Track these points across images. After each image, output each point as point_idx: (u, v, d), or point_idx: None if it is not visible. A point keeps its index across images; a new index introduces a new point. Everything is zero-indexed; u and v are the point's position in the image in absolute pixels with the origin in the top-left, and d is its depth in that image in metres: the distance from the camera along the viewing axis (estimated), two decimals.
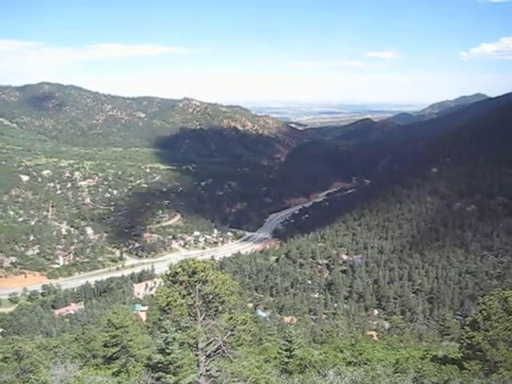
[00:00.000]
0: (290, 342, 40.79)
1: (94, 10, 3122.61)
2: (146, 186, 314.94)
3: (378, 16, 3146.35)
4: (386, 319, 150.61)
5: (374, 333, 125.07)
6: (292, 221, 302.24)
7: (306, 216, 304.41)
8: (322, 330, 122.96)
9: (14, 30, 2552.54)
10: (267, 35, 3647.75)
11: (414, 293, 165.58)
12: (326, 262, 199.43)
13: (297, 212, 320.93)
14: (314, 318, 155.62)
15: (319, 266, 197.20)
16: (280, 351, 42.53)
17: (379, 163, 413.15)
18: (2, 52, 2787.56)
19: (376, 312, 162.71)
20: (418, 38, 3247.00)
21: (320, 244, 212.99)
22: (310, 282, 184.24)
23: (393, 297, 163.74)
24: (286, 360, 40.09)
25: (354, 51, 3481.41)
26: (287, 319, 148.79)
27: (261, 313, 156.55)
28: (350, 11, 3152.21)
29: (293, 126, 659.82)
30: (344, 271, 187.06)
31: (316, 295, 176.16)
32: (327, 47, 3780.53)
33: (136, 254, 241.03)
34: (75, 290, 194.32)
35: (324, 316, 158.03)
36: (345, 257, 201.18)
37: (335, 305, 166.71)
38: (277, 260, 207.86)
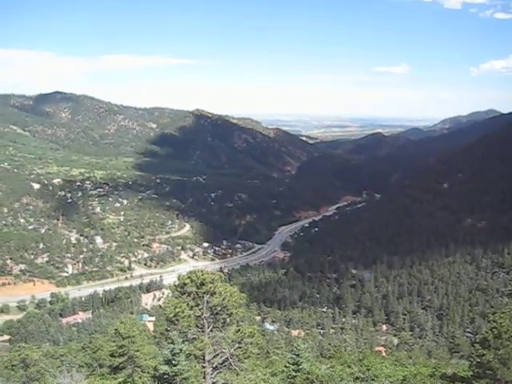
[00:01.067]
0: (297, 355, 40.28)
1: (106, 22, 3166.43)
2: (155, 196, 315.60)
3: (388, 31, 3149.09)
4: (395, 335, 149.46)
5: (383, 348, 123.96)
6: (301, 234, 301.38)
7: (316, 229, 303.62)
8: (329, 344, 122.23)
9: (28, 41, 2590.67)
10: (277, 48, 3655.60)
11: (423, 309, 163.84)
12: (334, 275, 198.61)
13: (306, 225, 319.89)
14: (321, 332, 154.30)
15: (328, 280, 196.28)
16: (287, 365, 42.02)
17: (390, 177, 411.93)
18: (15, 62, 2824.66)
19: (384, 327, 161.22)
20: (428, 53, 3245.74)
21: (329, 257, 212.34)
22: (318, 295, 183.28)
23: (402, 312, 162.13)
24: (293, 374, 39.59)
25: (364, 66, 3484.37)
26: (295, 333, 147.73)
27: (268, 326, 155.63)
28: (360, 26, 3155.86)
29: (303, 139, 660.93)
30: (353, 285, 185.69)
31: (324, 309, 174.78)
32: (337, 61, 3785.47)
33: (145, 264, 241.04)
34: (83, 299, 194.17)
35: (332, 330, 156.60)
36: (354, 271, 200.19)
37: (343, 319, 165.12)
38: (285, 273, 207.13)
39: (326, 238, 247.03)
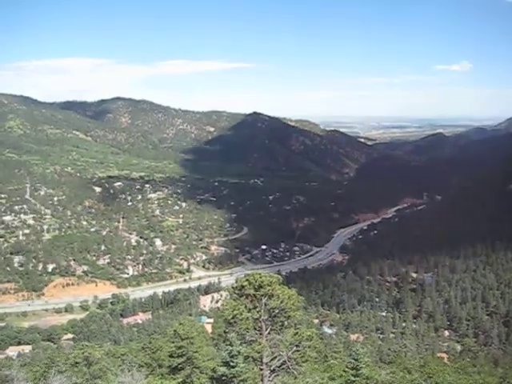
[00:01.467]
0: (356, 360, 39.49)
1: (162, 29, 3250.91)
2: (213, 199, 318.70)
3: (446, 28, 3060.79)
4: (458, 341, 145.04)
5: (445, 355, 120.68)
6: (360, 237, 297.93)
7: (375, 232, 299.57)
8: (389, 349, 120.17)
9: (88, 49, 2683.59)
10: (333, 51, 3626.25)
11: (488, 315, 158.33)
12: (394, 279, 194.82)
13: (365, 228, 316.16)
14: (381, 336, 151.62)
15: (387, 284, 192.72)
16: (346, 369, 41.36)
17: (451, 179, 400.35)
18: (77, 70, 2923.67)
19: (447, 333, 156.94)
20: (490, 49, 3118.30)
21: (388, 261, 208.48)
22: (377, 299, 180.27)
23: (465, 318, 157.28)
24: (352, 379, 38.90)
25: (423, 65, 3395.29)
26: (353, 337, 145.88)
27: (327, 329, 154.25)
28: (416, 24, 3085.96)
29: (362, 140, 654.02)
30: (413, 289, 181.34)
31: (384, 313, 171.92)
32: (395, 61, 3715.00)
33: (203, 267, 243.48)
34: (143, 300, 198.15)
35: (392, 335, 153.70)
36: (414, 275, 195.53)
37: (403, 324, 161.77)
38: (344, 276, 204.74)
39: (385, 241, 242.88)
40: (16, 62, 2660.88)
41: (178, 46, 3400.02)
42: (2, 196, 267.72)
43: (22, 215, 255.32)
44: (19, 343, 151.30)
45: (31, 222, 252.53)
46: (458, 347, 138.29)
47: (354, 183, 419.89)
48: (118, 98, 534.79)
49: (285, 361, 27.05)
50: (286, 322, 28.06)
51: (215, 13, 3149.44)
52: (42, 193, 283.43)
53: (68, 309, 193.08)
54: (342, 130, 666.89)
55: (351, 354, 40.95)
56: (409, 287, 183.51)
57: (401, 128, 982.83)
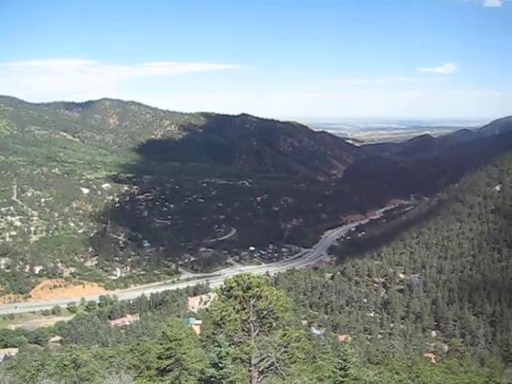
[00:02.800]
0: (344, 360, 39.62)
1: (148, 30, 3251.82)
2: (202, 200, 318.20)
3: (430, 30, 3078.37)
4: (445, 341, 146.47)
5: (432, 355, 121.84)
6: (348, 238, 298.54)
7: (363, 233, 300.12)
8: (377, 349, 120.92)
9: (75, 50, 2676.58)
10: (319, 52, 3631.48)
11: (474, 315, 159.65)
12: (382, 280, 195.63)
13: (353, 229, 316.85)
14: (369, 337, 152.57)
15: (375, 285, 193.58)
16: (334, 370, 41.53)
17: (438, 180, 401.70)
18: (64, 70, 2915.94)
19: (434, 334, 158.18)
20: (474, 52, 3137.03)
21: (376, 262, 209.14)
22: (365, 300, 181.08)
23: (452, 318, 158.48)
24: (341, 379, 39.02)
25: (407, 67, 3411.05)
26: (342, 338, 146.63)
27: (315, 330, 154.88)
28: (400, 27, 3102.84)
29: (350, 141, 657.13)
30: (401, 290, 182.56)
31: (371, 314, 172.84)
32: (380, 63, 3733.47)
33: (191, 268, 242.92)
34: (131, 302, 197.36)
35: (379, 336, 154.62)
36: (402, 275, 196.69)
37: (391, 325, 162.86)
38: (332, 277, 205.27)
39: (373, 242, 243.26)
40: (2, 62, 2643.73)
41: (165, 47, 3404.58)
42: None
43: (8, 217, 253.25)
44: (5, 346, 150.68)
45: (18, 223, 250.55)
46: (445, 347, 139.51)
47: (341, 184, 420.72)
48: (106, 99, 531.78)
49: (273, 362, 27.15)
50: (274, 324, 28.16)
51: (201, 15, 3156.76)
52: (29, 194, 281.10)
53: (55, 311, 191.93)
54: (329, 131, 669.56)
55: (339, 355, 41.11)
56: (396, 288, 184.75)
57: (388, 130, 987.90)
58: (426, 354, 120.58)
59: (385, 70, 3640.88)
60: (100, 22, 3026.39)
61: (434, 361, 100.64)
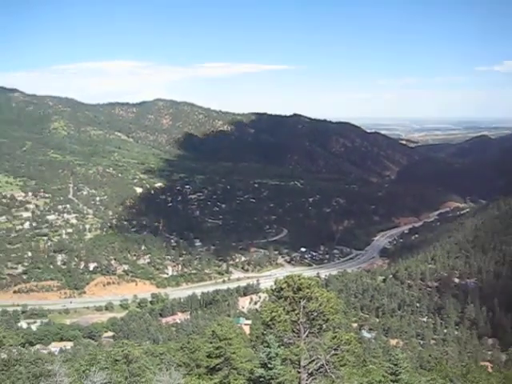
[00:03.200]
0: (395, 365, 38.54)
1: (199, 32, 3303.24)
2: (253, 200, 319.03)
3: (486, 29, 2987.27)
4: (503, 350, 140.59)
5: (489, 364, 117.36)
6: (401, 240, 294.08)
7: (416, 236, 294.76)
8: (430, 355, 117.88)
9: (128, 52, 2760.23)
10: (373, 51, 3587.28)
11: None
12: (435, 284, 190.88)
13: (406, 231, 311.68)
14: (421, 342, 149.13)
15: (428, 289, 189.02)
16: (385, 374, 40.48)
17: (496, 182, 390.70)
18: (118, 72, 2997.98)
19: (490, 341, 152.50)
20: None
21: (430, 265, 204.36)
22: (418, 304, 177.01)
23: (510, 327, 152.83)
24: None
25: (464, 65, 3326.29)
26: (393, 342, 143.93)
27: (366, 333, 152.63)
28: (456, 25, 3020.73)
29: (403, 142, 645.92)
30: (455, 295, 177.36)
31: (424, 319, 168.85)
32: (436, 62, 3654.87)
33: (242, 268, 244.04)
34: (182, 300, 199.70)
35: (432, 341, 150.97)
36: (456, 280, 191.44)
37: (445, 330, 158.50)
38: (384, 280, 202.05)
39: (426, 245, 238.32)
40: (59, 65, 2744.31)
41: (217, 49, 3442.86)
42: (47, 195, 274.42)
43: (65, 214, 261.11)
44: (61, 339, 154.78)
45: (74, 221, 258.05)
46: (503, 356, 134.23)
47: (395, 186, 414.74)
48: (159, 100, 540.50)
49: (323, 364, 27.00)
50: (324, 325, 27.98)
51: (253, 16, 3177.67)
52: (85, 193, 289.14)
53: (108, 307, 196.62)
54: (382, 132, 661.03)
55: (390, 359, 40.08)
56: (451, 293, 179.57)
57: (443, 130, 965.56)
58: (481, 363, 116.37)
59: (440, 69, 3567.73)
60: (152, 24, 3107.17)
61: (490, 370, 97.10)
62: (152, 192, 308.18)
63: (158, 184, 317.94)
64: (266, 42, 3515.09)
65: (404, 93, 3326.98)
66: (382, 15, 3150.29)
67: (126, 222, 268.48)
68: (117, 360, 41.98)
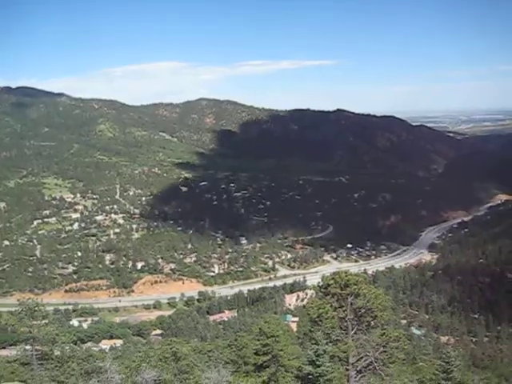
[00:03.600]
0: (447, 363, 37.59)
1: (240, 30, 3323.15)
2: (298, 197, 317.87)
3: None
4: None
5: None
6: (450, 235, 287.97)
7: (465, 230, 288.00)
8: (483, 353, 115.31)
9: (169, 53, 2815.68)
10: (416, 44, 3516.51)
11: None
12: (487, 280, 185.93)
13: (455, 226, 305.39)
14: (473, 339, 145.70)
15: (480, 284, 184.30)
16: (436, 372, 39.63)
17: None
18: (161, 73, 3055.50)
19: None
20: None
21: (481, 260, 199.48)
22: (469, 300, 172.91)
23: None
24: (443, 383, 37.19)
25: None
26: (444, 339, 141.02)
27: (415, 330, 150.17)
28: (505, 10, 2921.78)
29: (451, 135, 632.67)
30: (509, 291, 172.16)
31: (476, 315, 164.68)
32: (484, 51, 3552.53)
33: (288, 265, 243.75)
34: (229, 298, 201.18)
35: (485, 339, 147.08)
36: (510, 275, 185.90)
37: (498, 327, 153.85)
38: (433, 276, 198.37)
39: (477, 240, 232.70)
40: (103, 68, 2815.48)
41: (256, 47, 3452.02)
42: (94, 196, 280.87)
43: (112, 215, 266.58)
44: (111, 337, 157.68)
45: (121, 221, 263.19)
46: None
47: (442, 179, 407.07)
48: (203, 99, 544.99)
49: (371, 361, 27.18)
50: (372, 322, 27.76)
51: (289, 13, 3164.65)
52: (131, 193, 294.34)
53: (156, 305, 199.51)
54: (428, 124, 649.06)
55: (442, 357, 39.23)
56: (504, 288, 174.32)
57: (492, 121, 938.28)
58: None
59: (487, 58, 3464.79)
60: (191, 24, 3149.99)
61: None
62: (197, 191, 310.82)
63: (203, 183, 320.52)
64: (305, 38, 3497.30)
65: (450, 85, 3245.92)
66: (424, 4, 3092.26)
67: (171, 221, 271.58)
68: (166, 357, 42.35)
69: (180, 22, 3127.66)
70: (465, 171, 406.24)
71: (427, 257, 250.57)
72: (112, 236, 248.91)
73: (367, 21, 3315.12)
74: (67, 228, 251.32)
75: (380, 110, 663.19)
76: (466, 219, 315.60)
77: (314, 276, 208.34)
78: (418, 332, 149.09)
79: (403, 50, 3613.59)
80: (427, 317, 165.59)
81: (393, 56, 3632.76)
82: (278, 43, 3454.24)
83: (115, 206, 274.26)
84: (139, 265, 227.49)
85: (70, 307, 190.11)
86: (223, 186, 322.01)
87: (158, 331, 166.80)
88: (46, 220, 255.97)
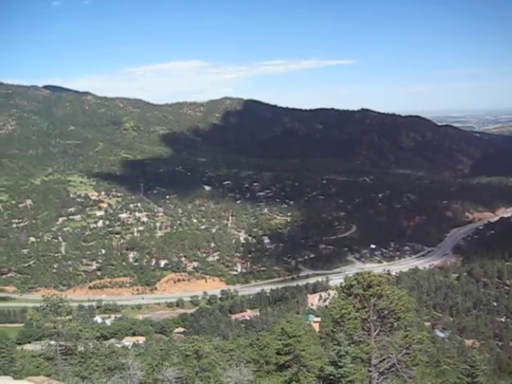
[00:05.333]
0: (472, 367, 37.01)
1: (260, 30, 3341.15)
2: (322, 197, 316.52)
3: None
4: None
5: None
6: (475, 237, 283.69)
7: (492, 232, 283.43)
8: (509, 358, 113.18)
9: (192, 52, 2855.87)
10: (442, 41, 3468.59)
11: None
12: None
13: (481, 227, 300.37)
14: (499, 344, 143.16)
15: (506, 287, 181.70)
16: (460, 376, 39.15)
17: None
18: (183, 72, 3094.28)
19: None
20: None
21: (508, 263, 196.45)
22: (495, 303, 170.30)
23: None
24: None
25: None
26: (468, 342, 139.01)
27: (439, 333, 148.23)
28: None
29: (477, 135, 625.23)
30: None
31: (502, 319, 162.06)
32: (504, 48, 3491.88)
33: (311, 265, 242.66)
34: (251, 297, 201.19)
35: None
36: None
37: None
38: (458, 278, 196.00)
39: (504, 242, 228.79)
40: (126, 68, 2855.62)
41: (276, 46, 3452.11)
42: (119, 195, 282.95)
43: (136, 213, 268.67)
44: (134, 334, 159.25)
45: (145, 219, 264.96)
46: None
47: (468, 180, 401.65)
48: (226, 98, 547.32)
49: (394, 363, 27.11)
50: (395, 324, 27.53)
51: (308, 14, 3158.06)
52: (155, 191, 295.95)
53: (179, 303, 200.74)
54: (454, 124, 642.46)
55: (466, 361, 38.69)
56: None
57: None
58: None
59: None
60: (212, 23, 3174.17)
61: None
62: (221, 190, 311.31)
63: (227, 182, 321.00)
64: (326, 37, 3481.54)
65: (477, 84, 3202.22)
66: (447, 5, 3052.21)
67: (195, 220, 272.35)
68: (187, 355, 42.43)
69: (201, 21, 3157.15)
70: (491, 171, 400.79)
71: (452, 259, 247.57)
72: (136, 234, 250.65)
73: (386, 22, 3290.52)
74: (92, 225, 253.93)
75: (404, 109, 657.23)
76: (492, 220, 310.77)
77: (336, 276, 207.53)
78: (441, 334, 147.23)
79: (424, 49, 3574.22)
80: (451, 319, 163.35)
81: (414, 56, 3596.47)
82: (298, 43, 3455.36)
83: (139, 204, 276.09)
84: (162, 263, 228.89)
85: (94, 304, 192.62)
86: (247, 185, 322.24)
87: (181, 329, 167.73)
88: (71, 217, 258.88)
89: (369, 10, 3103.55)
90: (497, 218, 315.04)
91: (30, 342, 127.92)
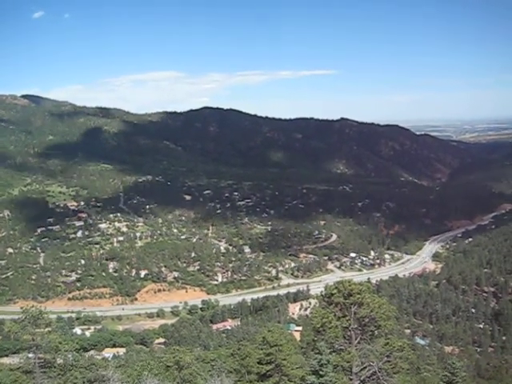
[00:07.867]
0: (452, 373, 37.47)
1: (237, 41, 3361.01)
2: (302, 206, 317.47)
3: None
4: None
5: None
6: (454, 244, 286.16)
7: (470, 239, 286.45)
8: (488, 364, 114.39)
9: (169, 63, 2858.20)
10: (417, 54, 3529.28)
11: None
12: (492, 289, 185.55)
13: (459, 235, 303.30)
14: (478, 350, 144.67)
15: (484, 294, 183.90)
16: (441, 383, 39.48)
17: None
18: (160, 83, 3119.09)
19: None
20: None
21: (486, 270, 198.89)
22: (473, 310, 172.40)
23: None
24: None
25: None
26: (448, 349, 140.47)
27: (419, 340, 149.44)
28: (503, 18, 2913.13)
29: (454, 144, 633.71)
30: None
31: (481, 325, 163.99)
32: (482, 62, 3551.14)
33: (291, 274, 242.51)
34: (232, 307, 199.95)
35: (490, 349, 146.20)
36: None
37: (503, 337, 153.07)
38: (437, 285, 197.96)
39: (481, 249, 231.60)
40: (104, 78, 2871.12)
41: (253, 57, 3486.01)
42: (98, 205, 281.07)
43: (116, 223, 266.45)
44: (114, 345, 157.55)
45: (125, 229, 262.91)
46: None
47: (446, 188, 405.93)
48: (206, 108, 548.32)
49: (375, 371, 27.16)
50: (376, 332, 27.72)
51: (285, 23, 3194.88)
52: (135, 201, 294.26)
53: (160, 314, 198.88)
54: (432, 134, 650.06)
55: (446, 367, 39.16)
56: (509, 298, 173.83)
57: (497, 130, 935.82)
58: None
59: (489, 68, 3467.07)
60: (190, 35, 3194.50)
61: None
62: (201, 199, 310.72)
63: (207, 191, 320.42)
64: (303, 48, 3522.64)
65: (454, 94, 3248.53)
66: (426, 14, 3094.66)
67: (175, 230, 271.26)
68: (168, 366, 42.35)
69: (179, 32, 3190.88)
70: (469, 180, 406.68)
71: (431, 266, 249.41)
72: (115, 244, 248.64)
73: (365, 29, 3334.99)
74: (71, 236, 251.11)
75: (383, 119, 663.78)
76: (470, 228, 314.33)
77: (317, 285, 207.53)
78: (422, 342, 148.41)
79: (403, 59, 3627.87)
80: (431, 326, 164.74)
81: (393, 65, 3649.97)
82: (274, 54, 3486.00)
83: (119, 214, 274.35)
84: (142, 273, 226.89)
85: (73, 315, 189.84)
86: (227, 195, 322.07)
87: (161, 340, 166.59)
88: (49, 228, 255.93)
89: (344, 19, 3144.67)
90: (474, 226, 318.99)
91: (7, 356, 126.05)
